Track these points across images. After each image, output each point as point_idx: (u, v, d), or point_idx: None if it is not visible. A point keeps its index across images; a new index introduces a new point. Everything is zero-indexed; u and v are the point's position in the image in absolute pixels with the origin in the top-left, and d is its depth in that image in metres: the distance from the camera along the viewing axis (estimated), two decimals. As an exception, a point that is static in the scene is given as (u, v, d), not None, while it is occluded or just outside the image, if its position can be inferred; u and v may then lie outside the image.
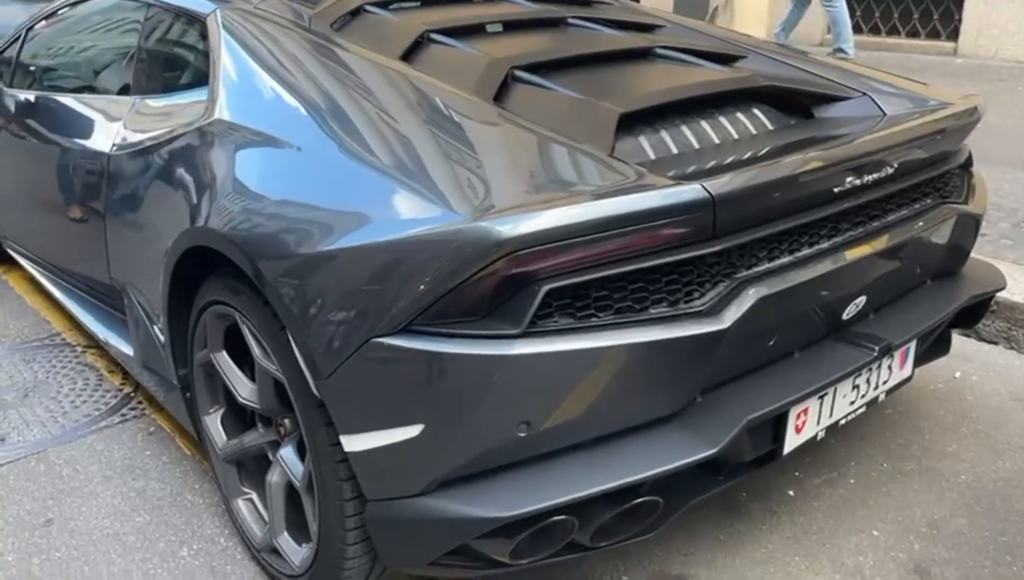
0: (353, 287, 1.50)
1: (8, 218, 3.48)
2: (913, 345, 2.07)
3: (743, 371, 1.74)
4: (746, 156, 1.78)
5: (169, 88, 2.49)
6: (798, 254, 1.73)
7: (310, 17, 2.32)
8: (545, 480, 1.52)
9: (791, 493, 2.31)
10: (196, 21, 2.43)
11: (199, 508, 2.28)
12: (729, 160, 1.76)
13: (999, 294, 3.11)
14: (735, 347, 1.62)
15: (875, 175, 1.80)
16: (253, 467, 2.08)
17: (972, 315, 2.29)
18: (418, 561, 1.61)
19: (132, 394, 2.85)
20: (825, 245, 1.78)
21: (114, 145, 2.43)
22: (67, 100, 2.88)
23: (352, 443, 1.56)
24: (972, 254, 2.35)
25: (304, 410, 1.67)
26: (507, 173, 1.57)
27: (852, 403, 1.94)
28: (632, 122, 1.90)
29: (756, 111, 2.13)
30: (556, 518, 1.52)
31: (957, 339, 3.14)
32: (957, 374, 2.90)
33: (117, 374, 2.98)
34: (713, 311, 1.57)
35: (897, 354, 2.02)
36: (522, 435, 1.50)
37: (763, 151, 1.83)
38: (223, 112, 2.01)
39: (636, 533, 1.64)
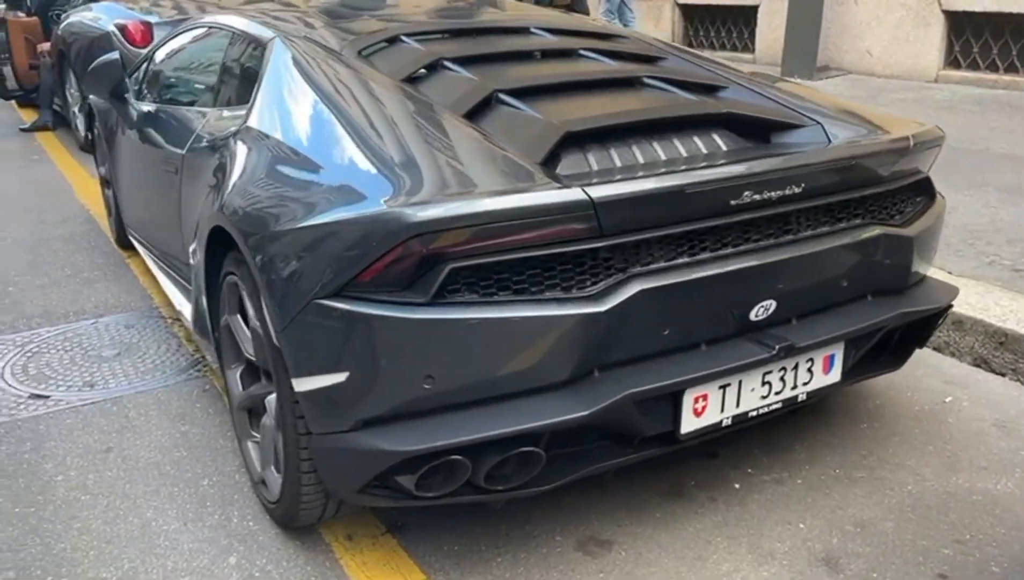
0: (303, 258, 1.89)
1: (129, 209, 4.12)
2: (838, 351, 2.24)
3: (644, 355, 2.00)
4: (659, 171, 2.04)
5: (234, 101, 2.99)
6: (696, 257, 1.98)
7: (343, 45, 2.75)
8: (444, 425, 1.85)
9: (737, 486, 2.51)
10: (260, 46, 2.91)
11: (226, 451, 2.73)
12: (641, 173, 2.02)
13: (1009, 327, 3.17)
14: (622, 331, 1.89)
15: (779, 192, 2.02)
16: (259, 413, 2.51)
17: (921, 331, 2.42)
18: (351, 488, 1.96)
19: (200, 359, 3.36)
20: (726, 251, 2.01)
21: (188, 147, 2.95)
22: (171, 110, 3.46)
23: (300, 385, 1.94)
24: (943, 274, 2.47)
25: (273, 358, 2.07)
26: (435, 171, 1.92)
27: (764, 398, 2.15)
28: (585, 140, 2.20)
29: (715, 136, 2.37)
30: (453, 458, 1.84)
31: (963, 368, 3.20)
32: (948, 399, 2.97)
33: (193, 342, 3.51)
34: (597, 298, 1.85)
35: (818, 358, 2.20)
36: (427, 387, 1.83)
37: (679, 168, 2.08)
38: (252, 120, 2.47)
39: (526, 483, 1.93)
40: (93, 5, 7.60)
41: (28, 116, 8.39)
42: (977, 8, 7.40)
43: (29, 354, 3.43)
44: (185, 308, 3.17)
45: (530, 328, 1.81)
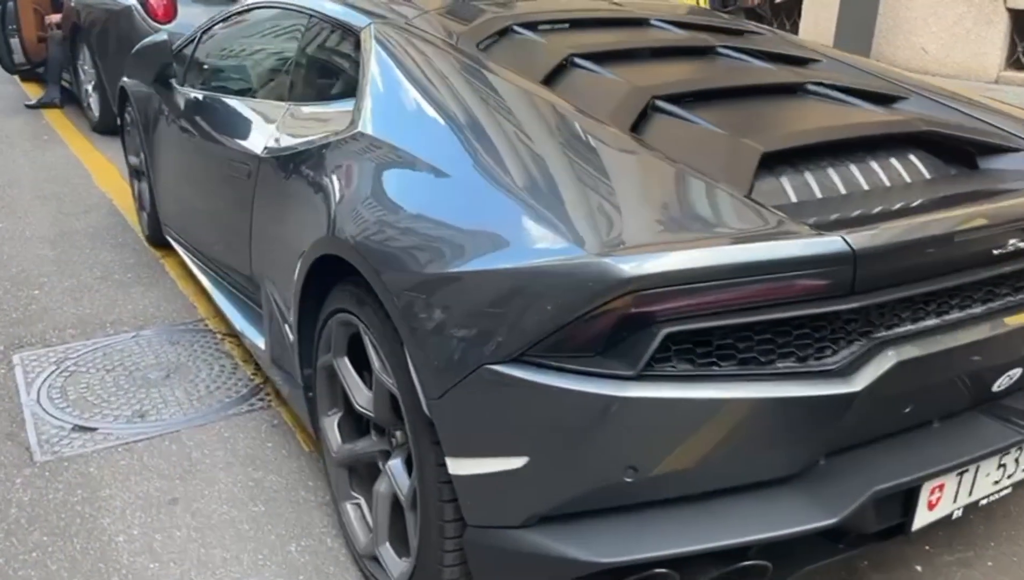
0: (472, 311, 1.50)
1: (170, 207, 3.71)
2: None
3: (874, 437, 1.63)
4: (896, 207, 1.67)
5: (321, 96, 2.58)
6: (946, 318, 1.60)
7: (458, 36, 2.35)
8: (649, 529, 1.47)
9: (919, 568, 2.15)
10: (351, 33, 2.51)
11: (311, 505, 2.34)
12: (876, 210, 1.65)
13: None
14: (867, 411, 1.51)
15: (1043, 238, 1.64)
16: (364, 473, 2.12)
17: None
18: (513, 595, 1.59)
19: (261, 386, 2.97)
20: (978, 310, 1.64)
21: (265, 148, 2.54)
22: (230, 101, 3.04)
23: (457, 466, 1.56)
24: None
25: (414, 426, 1.69)
26: (638, 208, 1.53)
27: (996, 483, 1.78)
28: (775, 162, 1.82)
29: (913, 158, 2.00)
30: (657, 571, 1.47)
31: None
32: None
33: (250, 364, 3.11)
34: (845, 371, 1.47)
35: (1054, 434, 1.84)
36: (628, 480, 1.46)
37: (916, 203, 1.71)
38: (367, 125, 2.07)
39: (738, 597, 1.56)
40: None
41: (33, 91, 7.91)
42: (1045, 7, 7.04)
43: (66, 374, 3.03)
44: (250, 331, 2.78)
45: (765, 411, 1.43)
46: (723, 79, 2.26)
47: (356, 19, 2.50)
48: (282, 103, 2.72)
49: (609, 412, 1.40)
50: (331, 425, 2.18)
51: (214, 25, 3.49)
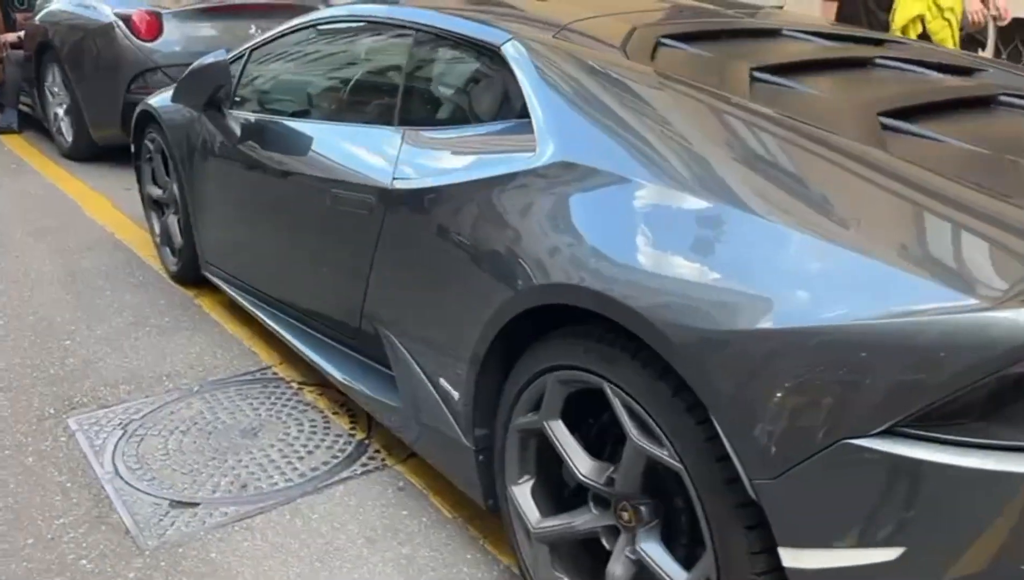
0: (822, 377, 1.27)
1: (219, 243, 3.36)
2: None
3: None
4: None
5: (456, 120, 2.32)
6: None
7: (623, 49, 2.12)
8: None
9: None
10: (485, 50, 2.25)
11: (481, 584, 2.07)
12: None
13: None
14: None
15: None
16: (572, 551, 1.86)
17: None
18: None
19: (365, 441, 2.67)
20: None
21: (394, 179, 2.26)
22: (312, 126, 2.74)
23: (797, 558, 1.32)
24: None
25: (713, 508, 1.44)
26: (1003, 244, 1.32)
27: None
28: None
29: None
30: None
31: None
32: None
33: (342, 416, 2.80)
34: None
35: None
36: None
37: None
38: (563, 153, 1.81)
39: None
40: (72, -10, 6.64)
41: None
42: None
43: (137, 438, 2.67)
44: (362, 384, 2.49)
45: None
46: (917, 93, 2.09)
47: (491, 34, 2.24)
48: (392, 128, 2.43)
49: (1017, 493, 1.19)
50: (522, 494, 1.91)
51: (268, 42, 3.17)
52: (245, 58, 3.22)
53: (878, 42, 2.65)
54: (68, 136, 6.14)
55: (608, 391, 1.60)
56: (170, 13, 5.65)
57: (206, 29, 5.75)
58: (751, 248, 1.42)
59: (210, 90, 3.06)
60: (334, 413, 2.83)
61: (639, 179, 1.64)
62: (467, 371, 1.95)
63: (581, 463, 1.73)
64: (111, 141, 5.86)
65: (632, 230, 1.58)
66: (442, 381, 2.08)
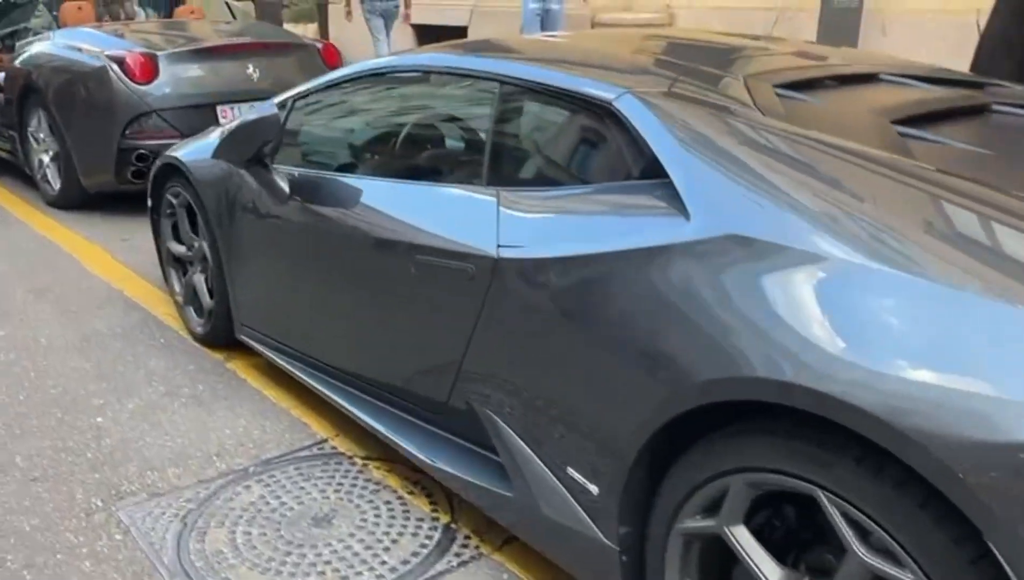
0: None
1: (258, 305, 3.13)
2: None
3: None
4: None
5: (560, 180, 2.14)
6: None
7: (750, 101, 1.97)
8: None
9: None
10: (593, 105, 2.08)
11: None
12: None
13: None
14: None
15: None
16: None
17: None
18: None
19: (452, 525, 2.45)
20: None
21: (500, 246, 2.07)
22: (378, 184, 2.55)
23: None
24: None
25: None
26: None
27: None
28: None
29: None
30: None
31: None
32: None
33: (419, 496, 2.58)
34: None
35: None
36: None
37: None
38: (729, 225, 1.64)
39: None
40: (54, 32, 6.38)
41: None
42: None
43: (200, 531, 2.42)
44: (456, 467, 2.29)
45: None
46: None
47: (601, 88, 2.07)
48: (482, 188, 2.24)
49: None
50: (691, 604, 1.72)
51: (313, 92, 2.97)
52: (288, 109, 3.02)
53: (977, 84, 2.54)
54: (55, 184, 5.83)
55: (823, 499, 1.42)
56: (165, 55, 5.41)
57: (202, 70, 5.53)
58: (1012, 339, 1.26)
59: (257, 145, 2.84)
60: (409, 492, 2.61)
61: (843, 256, 1.48)
62: (613, 466, 1.76)
63: (771, 573, 1.55)
64: (102, 189, 5.59)
65: (852, 318, 1.41)
66: (572, 471, 1.89)
